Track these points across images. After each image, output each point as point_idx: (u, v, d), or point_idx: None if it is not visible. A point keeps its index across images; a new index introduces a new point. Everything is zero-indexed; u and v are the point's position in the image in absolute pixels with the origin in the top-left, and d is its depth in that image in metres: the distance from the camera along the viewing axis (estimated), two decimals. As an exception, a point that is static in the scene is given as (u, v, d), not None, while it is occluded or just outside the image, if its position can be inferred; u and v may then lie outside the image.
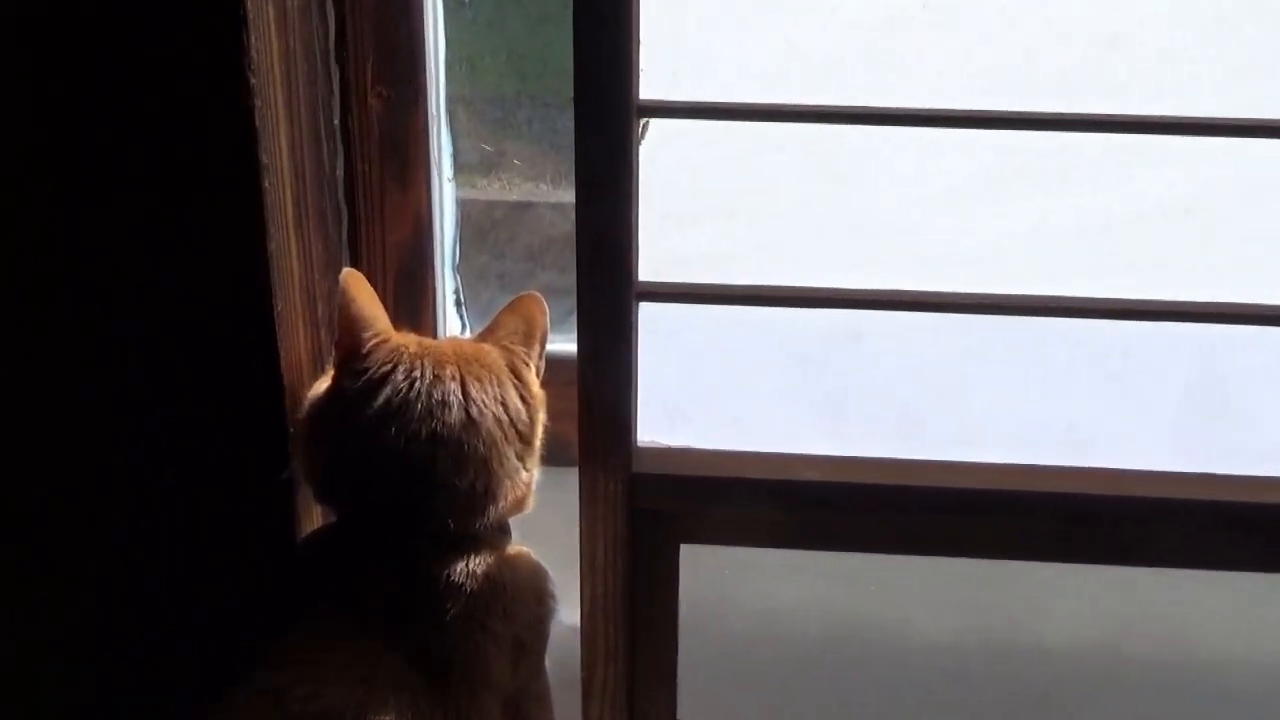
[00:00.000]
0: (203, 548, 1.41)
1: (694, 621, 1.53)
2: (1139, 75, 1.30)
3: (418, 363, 1.31)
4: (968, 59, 1.31)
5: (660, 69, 1.31)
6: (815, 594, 1.66)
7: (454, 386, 1.30)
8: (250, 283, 1.31)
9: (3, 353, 1.36)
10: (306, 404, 1.35)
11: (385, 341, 1.32)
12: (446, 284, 1.63)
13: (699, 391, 1.45)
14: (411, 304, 1.58)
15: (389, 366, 1.30)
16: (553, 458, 1.39)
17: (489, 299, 1.67)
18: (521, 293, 1.38)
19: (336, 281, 1.34)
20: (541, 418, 1.37)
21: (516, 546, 1.37)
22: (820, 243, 1.37)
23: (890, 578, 1.62)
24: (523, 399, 1.34)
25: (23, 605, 1.45)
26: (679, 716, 1.54)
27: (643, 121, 1.33)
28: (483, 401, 1.31)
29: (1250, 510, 1.41)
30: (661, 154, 1.34)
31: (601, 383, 1.40)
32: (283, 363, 1.35)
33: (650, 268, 1.38)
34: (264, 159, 1.28)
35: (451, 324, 1.64)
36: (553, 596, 1.37)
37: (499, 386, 1.33)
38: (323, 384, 1.35)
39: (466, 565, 1.29)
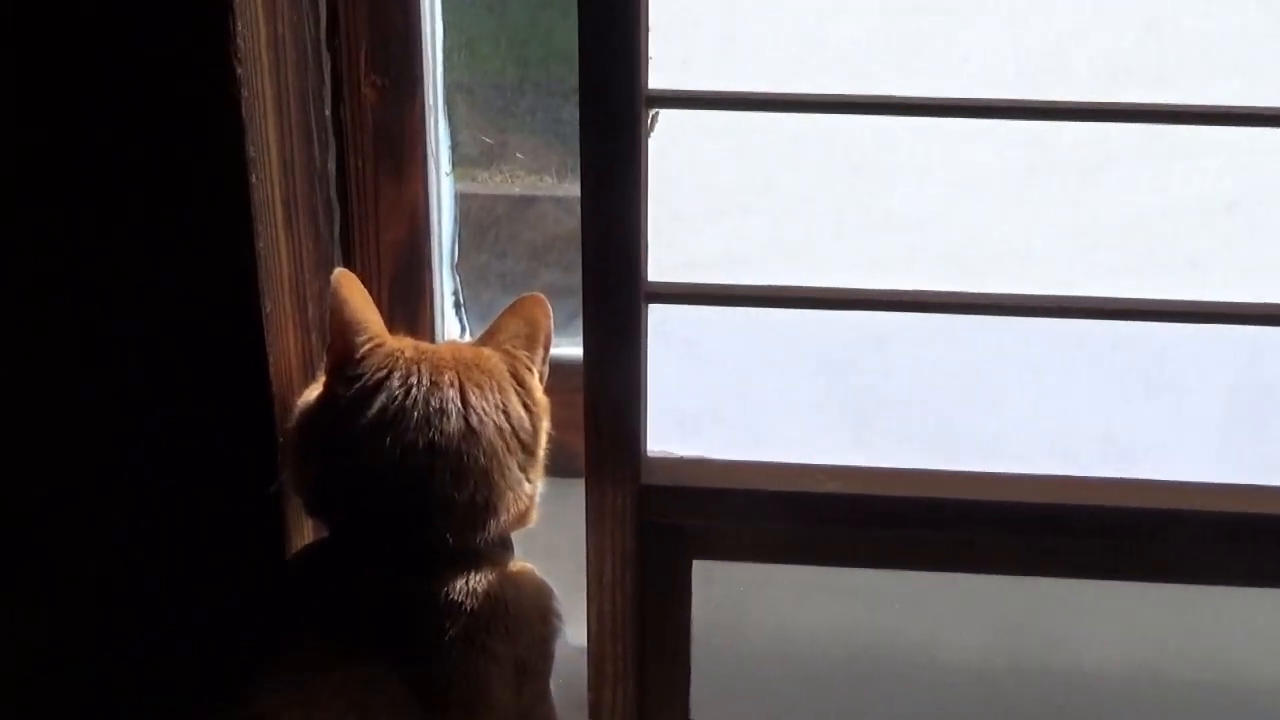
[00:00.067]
0: (187, 565, 1.42)
1: (707, 642, 1.54)
2: (1179, 63, 1.30)
3: (414, 368, 1.31)
4: (997, 45, 1.31)
5: (671, 56, 1.32)
6: (836, 613, 1.66)
7: (453, 394, 1.31)
8: (237, 284, 1.32)
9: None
10: (296, 413, 1.36)
11: (380, 346, 1.33)
12: (445, 284, 1.63)
13: (712, 398, 1.46)
14: (407, 306, 1.59)
15: (384, 373, 1.31)
16: (557, 469, 1.40)
17: (489, 300, 1.68)
18: (524, 294, 1.38)
19: (328, 282, 1.34)
20: (545, 426, 1.37)
21: (519, 563, 1.37)
22: (842, 241, 1.38)
23: (916, 596, 1.63)
24: (525, 406, 1.35)
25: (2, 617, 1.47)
26: (691, 742, 1.56)
27: (652, 112, 1.34)
28: (483, 409, 1.32)
29: (1300, 524, 1.42)
30: (672, 146, 1.35)
31: (609, 389, 1.40)
32: (271, 369, 1.35)
33: (660, 267, 1.38)
34: (251, 153, 1.28)
35: (450, 327, 1.65)
36: (558, 615, 1.38)
37: (500, 393, 1.33)
38: (314, 391, 1.36)
39: (466, 583, 1.30)
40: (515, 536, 1.37)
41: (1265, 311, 1.37)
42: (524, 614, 1.34)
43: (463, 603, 1.29)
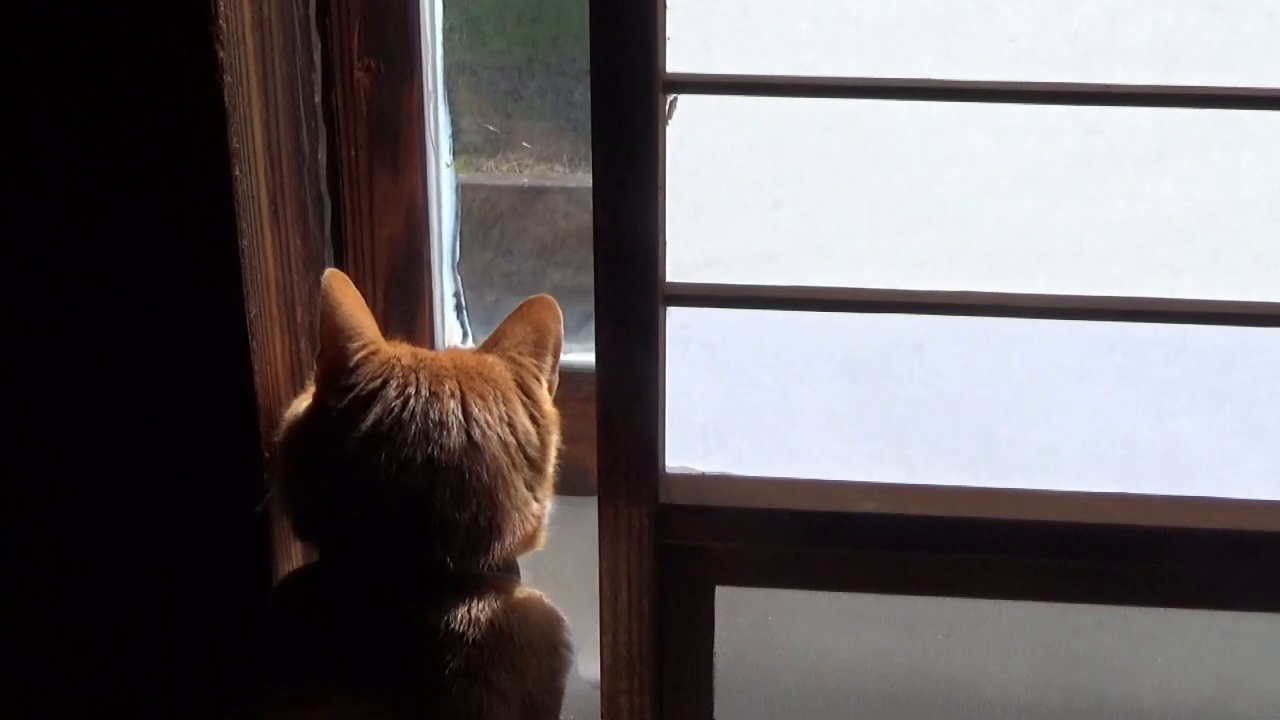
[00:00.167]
0: (164, 593, 1.42)
1: (731, 676, 1.54)
2: (1245, 42, 1.30)
3: (412, 378, 1.32)
4: (1044, 24, 1.31)
5: (690, 37, 1.33)
6: (872, 644, 1.66)
7: (453, 405, 1.32)
8: (218, 286, 1.33)
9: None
10: (284, 426, 1.37)
11: (375, 353, 1.33)
12: (445, 285, 1.64)
13: (737, 409, 1.46)
14: (404, 309, 1.60)
15: (379, 382, 1.32)
16: (568, 486, 1.41)
17: (494, 303, 1.68)
18: (531, 296, 1.39)
19: (318, 283, 1.35)
20: (554, 440, 1.38)
21: (526, 590, 1.37)
22: (876, 238, 1.38)
23: (960, 625, 1.63)
24: (532, 419, 1.36)
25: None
26: (715, 786, 1.56)
27: (670, 97, 1.34)
28: (486, 422, 1.32)
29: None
30: (692, 135, 1.35)
31: (624, 399, 1.41)
32: (256, 378, 1.36)
33: (680, 267, 1.39)
34: (234, 144, 1.29)
35: (451, 332, 1.66)
36: (568, 647, 1.38)
37: (505, 405, 1.34)
38: (302, 403, 1.37)
39: (468, 612, 1.30)
40: (522, 560, 1.38)
41: (1341, 314, 1.37)
42: (531, 645, 1.34)
43: (464, 633, 1.30)
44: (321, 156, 1.50)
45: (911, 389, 1.43)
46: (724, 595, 1.50)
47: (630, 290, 1.38)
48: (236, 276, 1.33)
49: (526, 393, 1.36)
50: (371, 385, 1.32)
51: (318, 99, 1.48)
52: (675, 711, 1.52)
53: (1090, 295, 1.38)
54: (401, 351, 1.35)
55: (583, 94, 1.40)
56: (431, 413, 1.31)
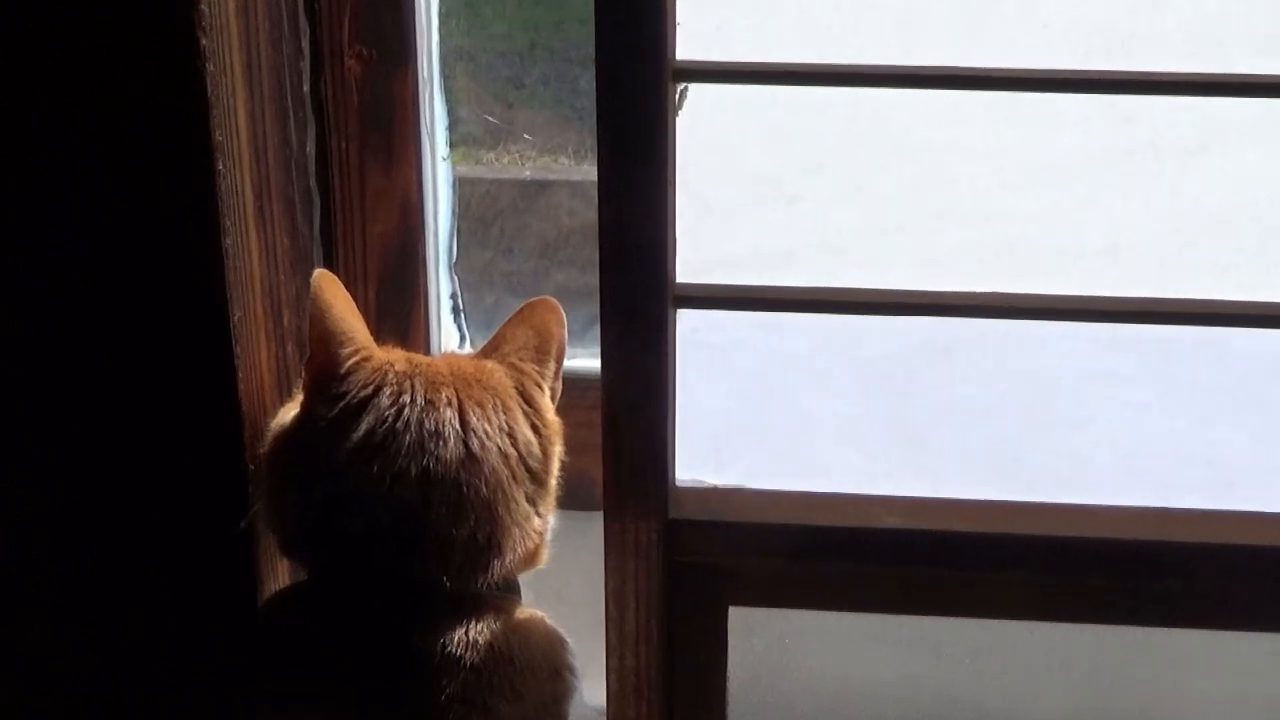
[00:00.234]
0: (143, 614, 1.42)
1: (745, 700, 1.54)
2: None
3: (406, 385, 1.32)
4: (1078, 7, 1.32)
5: (701, 23, 1.33)
6: (895, 669, 1.66)
7: (450, 414, 1.32)
8: (200, 288, 1.32)
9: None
10: (270, 437, 1.36)
11: (367, 359, 1.33)
12: (441, 286, 1.64)
13: (751, 418, 1.46)
14: (398, 311, 1.60)
15: (371, 390, 1.31)
16: (572, 501, 1.40)
17: (493, 304, 1.69)
18: (533, 297, 1.39)
19: (306, 285, 1.34)
20: (557, 451, 1.37)
21: (527, 610, 1.37)
22: (898, 236, 1.39)
23: (989, 649, 1.62)
24: (534, 429, 1.35)
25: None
26: (728, 818, 1.56)
27: (680, 87, 1.34)
28: (485, 432, 1.32)
29: None
30: (703, 127, 1.35)
31: (631, 407, 1.41)
32: (241, 386, 1.36)
33: (690, 267, 1.39)
34: (218, 136, 1.29)
35: (447, 336, 1.66)
36: (572, 671, 1.38)
37: (505, 414, 1.34)
38: (290, 412, 1.36)
39: (466, 634, 1.30)
40: (523, 579, 1.38)
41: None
42: (532, 670, 1.34)
43: (461, 657, 1.30)
44: (310, 149, 1.50)
45: (935, 396, 1.44)
46: (737, 616, 1.50)
47: (638, 291, 1.38)
48: (219, 278, 1.32)
49: (528, 401, 1.36)
50: (363, 393, 1.32)
51: (306, 88, 1.49)
52: (686, 739, 1.53)
53: (1127, 296, 1.36)
54: (395, 357, 1.35)
55: (588, 81, 1.40)
56: (427, 422, 1.31)
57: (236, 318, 1.35)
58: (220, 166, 1.30)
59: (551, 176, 1.74)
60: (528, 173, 1.73)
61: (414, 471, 1.30)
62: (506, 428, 1.34)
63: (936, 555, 1.45)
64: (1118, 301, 1.37)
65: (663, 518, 1.45)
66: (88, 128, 1.30)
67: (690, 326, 1.42)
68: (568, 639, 1.39)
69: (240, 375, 1.36)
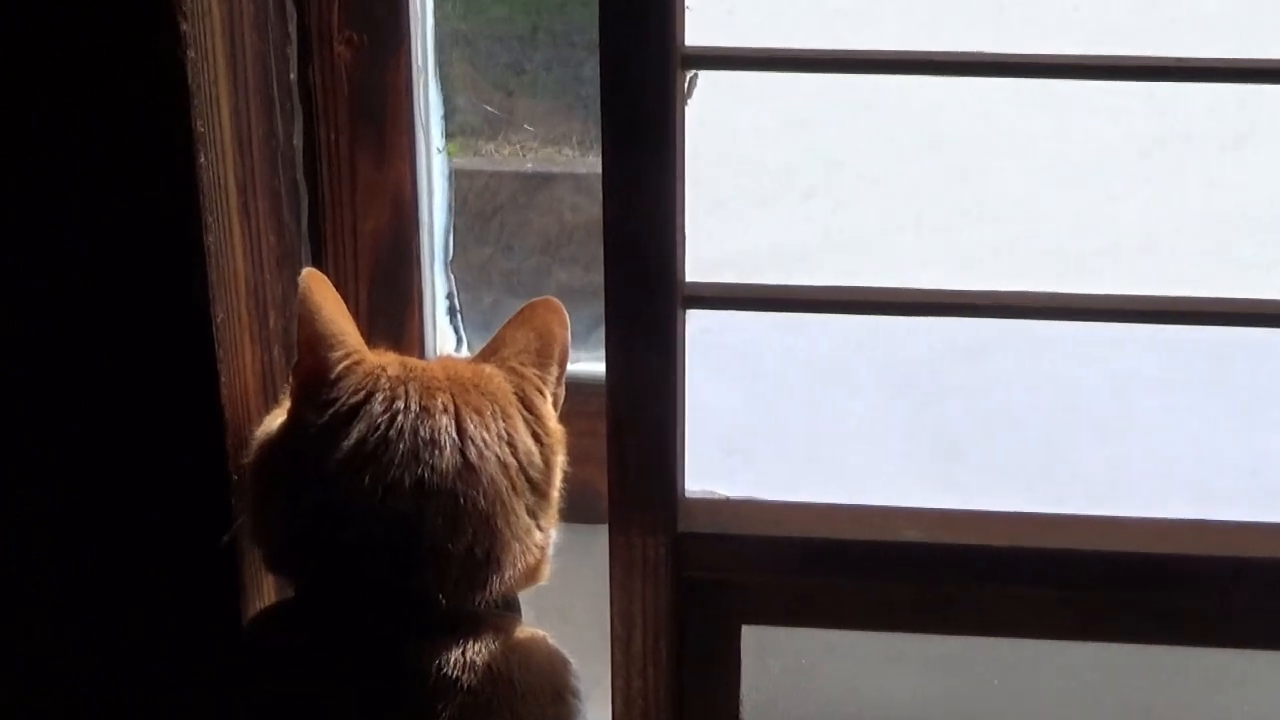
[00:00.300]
0: (122, 633, 1.42)
1: (761, 725, 1.55)
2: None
3: (400, 390, 1.32)
4: (1114, -10, 1.32)
5: (712, 7, 1.33)
6: (918, 690, 1.65)
7: (447, 421, 1.31)
8: (181, 287, 1.32)
9: None
10: (255, 445, 1.36)
11: (358, 363, 1.32)
12: (436, 286, 1.64)
13: (765, 425, 1.46)
14: (391, 312, 1.60)
15: (362, 395, 1.31)
16: (575, 513, 1.40)
17: (492, 305, 1.69)
18: (534, 297, 1.39)
19: (294, 284, 1.35)
20: (560, 461, 1.37)
21: (528, 629, 1.37)
22: (922, 232, 1.38)
23: (1018, 669, 1.62)
24: (535, 437, 1.35)
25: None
26: None
27: (689, 73, 1.34)
28: (484, 441, 1.32)
29: None
30: (714, 116, 1.35)
31: (638, 414, 1.41)
32: (224, 391, 1.36)
33: (700, 265, 1.39)
34: (199, 127, 1.29)
35: (443, 338, 1.66)
36: (575, 694, 1.37)
37: (505, 421, 1.34)
38: (276, 419, 1.36)
39: (463, 654, 1.30)
40: (524, 596, 1.38)
41: None
42: (534, 692, 1.33)
43: (458, 678, 1.29)
44: (297, 141, 1.50)
45: (963, 402, 1.43)
46: (751, 635, 1.50)
47: (645, 291, 1.38)
48: (201, 277, 1.32)
49: (528, 407, 1.36)
50: (354, 399, 1.31)
51: (293, 76, 1.49)
52: (696, 765, 1.53)
53: (1163, 296, 1.36)
54: (388, 361, 1.35)
55: (593, 68, 1.39)
56: (422, 430, 1.31)
57: (219, 319, 1.34)
58: (202, 159, 1.30)
59: (554, 169, 1.74)
60: (529, 165, 1.73)
61: (408, 482, 1.29)
62: (506, 436, 1.33)
63: (962, 571, 1.44)
64: (1154, 301, 1.36)
65: (671, 531, 1.45)
66: (60, 118, 1.30)
67: (700, 328, 1.42)
68: (571, 660, 1.38)
69: (223, 380, 1.36)
